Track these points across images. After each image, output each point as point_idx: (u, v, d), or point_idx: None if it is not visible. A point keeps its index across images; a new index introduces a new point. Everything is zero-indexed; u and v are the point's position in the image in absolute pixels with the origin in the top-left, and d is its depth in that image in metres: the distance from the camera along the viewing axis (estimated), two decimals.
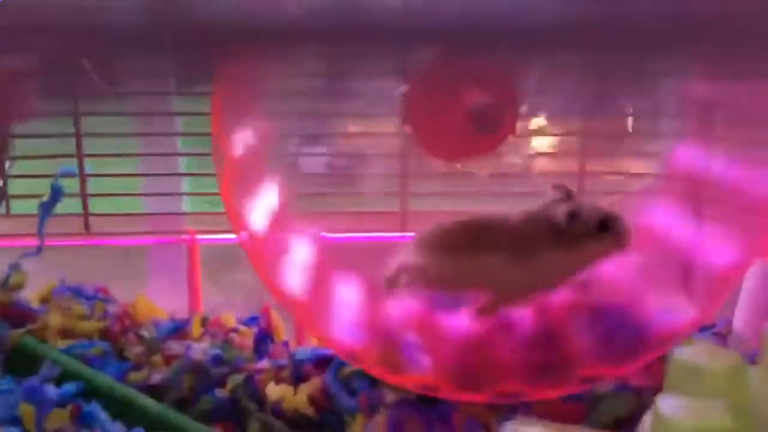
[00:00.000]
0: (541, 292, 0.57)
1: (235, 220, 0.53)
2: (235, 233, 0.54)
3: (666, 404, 0.31)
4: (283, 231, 0.62)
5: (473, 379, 0.53)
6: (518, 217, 0.56)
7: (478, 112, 0.56)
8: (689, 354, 0.34)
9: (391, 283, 0.58)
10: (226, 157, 0.53)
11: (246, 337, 0.66)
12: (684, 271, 0.59)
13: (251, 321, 0.70)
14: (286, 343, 0.67)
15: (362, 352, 0.55)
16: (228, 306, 0.78)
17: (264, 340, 0.68)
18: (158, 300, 0.74)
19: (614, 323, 0.57)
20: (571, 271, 0.56)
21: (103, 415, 0.51)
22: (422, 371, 0.54)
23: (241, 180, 0.55)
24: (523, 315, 0.59)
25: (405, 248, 0.58)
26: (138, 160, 0.76)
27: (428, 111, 0.61)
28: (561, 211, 0.54)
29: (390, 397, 0.52)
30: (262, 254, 0.54)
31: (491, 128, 0.57)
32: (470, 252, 0.55)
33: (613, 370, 0.54)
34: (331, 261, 0.66)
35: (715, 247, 0.56)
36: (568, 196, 0.56)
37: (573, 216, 0.54)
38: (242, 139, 0.57)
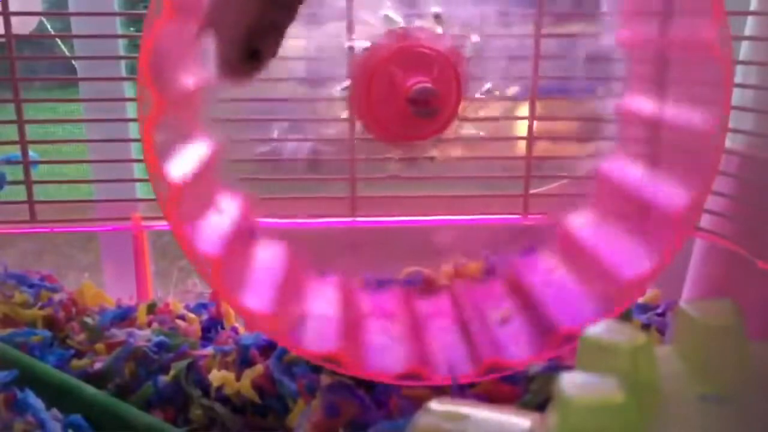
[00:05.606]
0: None
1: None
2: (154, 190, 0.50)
3: (567, 381, 0.31)
4: (208, 191, 0.61)
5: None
6: None
7: (415, 97, 0.56)
8: (597, 332, 0.34)
9: None
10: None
11: (193, 324, 0.66)
12: (640, 215, 0.58)
13: (200, 307, 0.70)
14: (235, 329, 0.67)
15: (269, 317, 0.54)
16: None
17: (213, 326, 0.68)
18: (117, 288, 0.73)
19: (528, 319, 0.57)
20: None
21: (37, 402, 0.50)
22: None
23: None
24: (441, 304, 0.59)
25: None
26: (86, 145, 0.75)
27: (372, 97, 0.61)
28: None
29: (326, 380, 0.52)
30: (182, 211, 0.52)
31: (430, 114, 0.57)
32: None
33: (518, 362, 0.55)
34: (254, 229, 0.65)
35: (668, 189, 0.56)
36: None
37: None
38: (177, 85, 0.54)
